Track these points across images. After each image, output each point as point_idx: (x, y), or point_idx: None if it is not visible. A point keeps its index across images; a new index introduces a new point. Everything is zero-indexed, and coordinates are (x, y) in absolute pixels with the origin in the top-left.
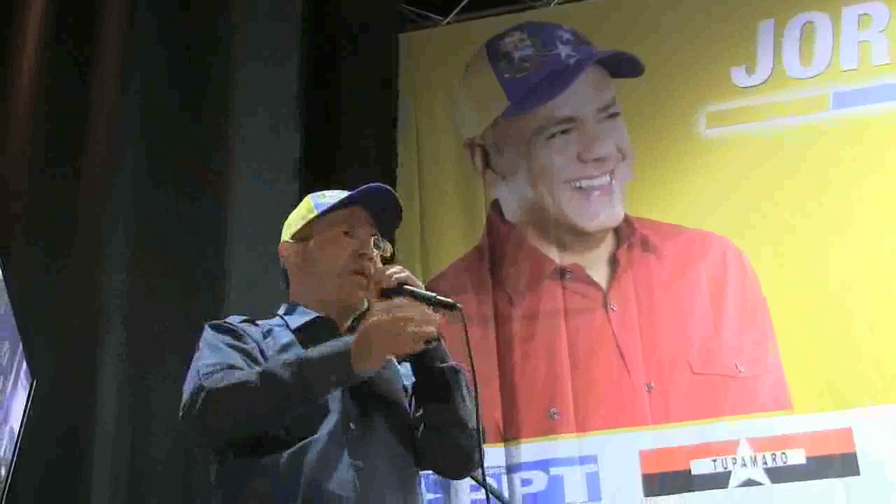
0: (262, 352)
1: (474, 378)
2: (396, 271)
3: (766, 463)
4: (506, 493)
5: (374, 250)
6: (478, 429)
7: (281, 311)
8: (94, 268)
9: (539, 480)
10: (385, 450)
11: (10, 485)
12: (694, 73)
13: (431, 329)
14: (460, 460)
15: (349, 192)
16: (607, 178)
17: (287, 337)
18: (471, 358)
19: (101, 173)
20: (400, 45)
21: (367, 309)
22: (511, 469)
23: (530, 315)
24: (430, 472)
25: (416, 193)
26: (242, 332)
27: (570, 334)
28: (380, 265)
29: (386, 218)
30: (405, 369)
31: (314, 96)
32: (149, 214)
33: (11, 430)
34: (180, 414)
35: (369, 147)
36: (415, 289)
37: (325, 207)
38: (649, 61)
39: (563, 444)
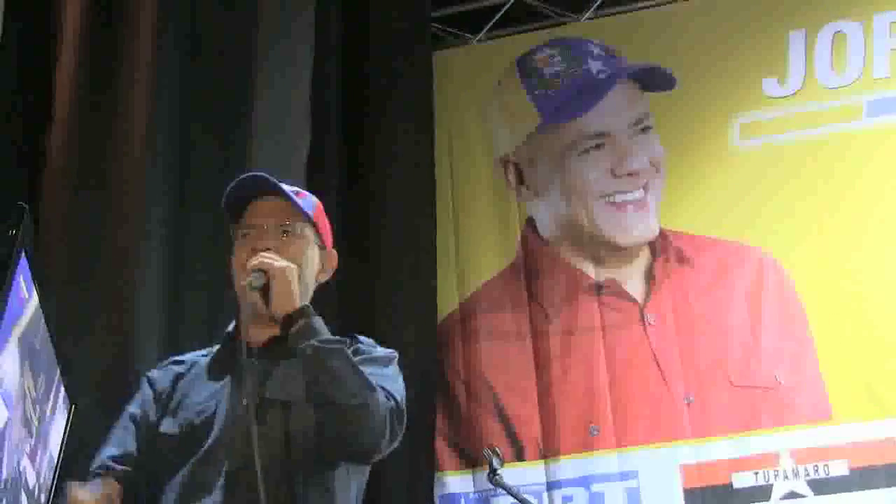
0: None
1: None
2: (256, 262)
3: (808, 475)
4: None
5: (281, 237)
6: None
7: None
8: (124, 279)
9: (580, 497)
10: (279, 452)
11: None
12: (726, 85)
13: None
14: (360, 438)
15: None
16: (641, 192)
17: (200, 381)
18: None
19: (132, 195)
20: (431, 64)
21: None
22: (551, 486)
23: (567, 331)
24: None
25: (450, 211)
26: (148, 397)
27: (608, 349)
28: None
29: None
30: None
31: (347, 117)
32: (179, 228)
33: (51, 456)
34: None
35: (403, 166)
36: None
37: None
38: (681, 74)
39: (603, 460)
